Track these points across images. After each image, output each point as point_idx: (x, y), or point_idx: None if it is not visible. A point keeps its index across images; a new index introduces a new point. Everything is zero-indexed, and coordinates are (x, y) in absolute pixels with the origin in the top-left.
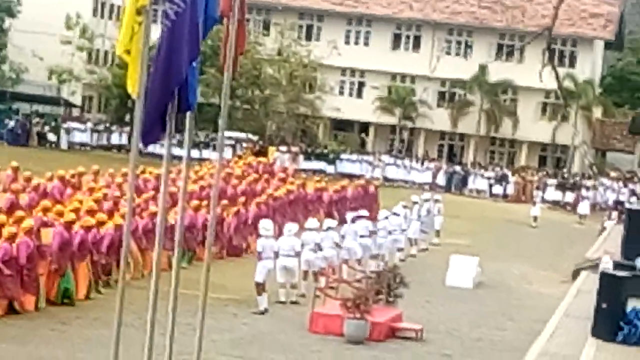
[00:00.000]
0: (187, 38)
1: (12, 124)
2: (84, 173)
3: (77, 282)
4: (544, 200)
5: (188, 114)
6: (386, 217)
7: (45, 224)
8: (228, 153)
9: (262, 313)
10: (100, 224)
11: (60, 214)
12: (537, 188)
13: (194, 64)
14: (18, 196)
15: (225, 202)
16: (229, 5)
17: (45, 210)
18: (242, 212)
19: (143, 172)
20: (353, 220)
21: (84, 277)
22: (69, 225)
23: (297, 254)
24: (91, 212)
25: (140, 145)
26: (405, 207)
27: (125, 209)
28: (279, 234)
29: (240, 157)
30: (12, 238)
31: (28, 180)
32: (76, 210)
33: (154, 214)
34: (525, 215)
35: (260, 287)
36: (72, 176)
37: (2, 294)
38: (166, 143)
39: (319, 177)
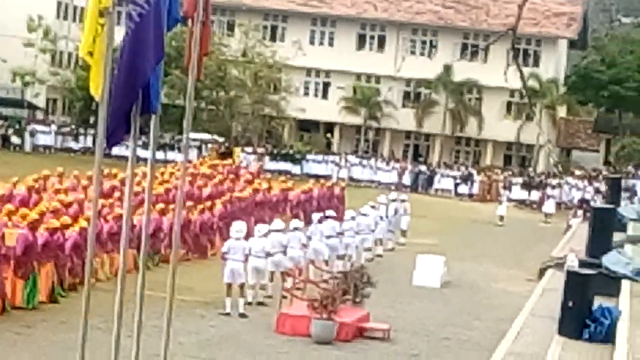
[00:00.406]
0: (152, 40)
1: None
2: (48, 176)
3: (40, 285)
4: (509, 199)
5: (153, 116)
6: (352, 218)
7: (7, 226)
8: (193, 154)
9: (228, 314)
10: (65, 226)
11: (25, 217)
12: (504, 187)
13: (158, 65)
14: None
15: (190, 203)
16: (193, 6)
17: (10, 213)
18: (207, 213)
19: (109, 175)
20: (320, 221)
21: (46, 280)
22: (33, 227)
23: (268, 255)
24: (56, 213)
25: (105, 147)
26: (373, 207)
27: (89, 212)
28: (246, 235)
29: (204, 158)
30: None
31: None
32: (41, 213)
33: (119, 217)
34: (491, 215)
35: (228, 288)
36: (36, 180)
37: None
38: (131, 145)
39: (284, 178)
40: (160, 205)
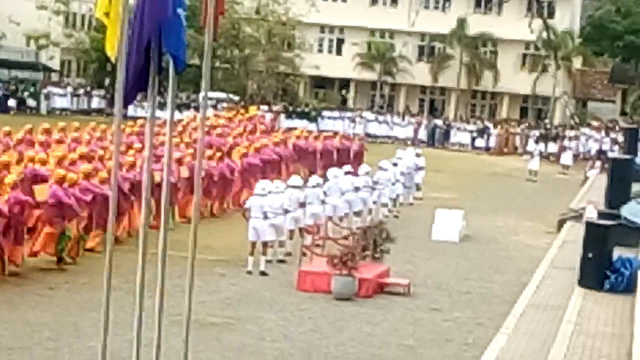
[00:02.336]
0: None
1: None
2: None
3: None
4: (527, 152)
5: (170, 74)
6: (367, 173)
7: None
8: (209, 113)
9: (250, 272)
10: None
11: (44, 162)
12: (536, 142)
13: (183, 24)
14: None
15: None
16: None
17: (31, 160)
18: (228, 162)
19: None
20: (336, 176)
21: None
22: (61, 182)
23: (286, 212)
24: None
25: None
26: (395, 164)
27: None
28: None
29: (218, 116)
30: None
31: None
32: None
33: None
34: (508, 167)
35: (251, 246)
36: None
37: None
38: (150, 104)
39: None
40: (177, 155)
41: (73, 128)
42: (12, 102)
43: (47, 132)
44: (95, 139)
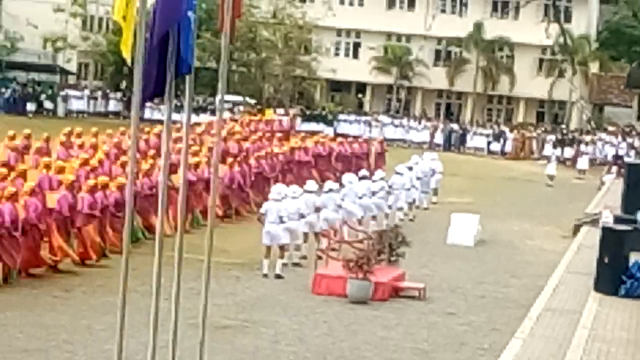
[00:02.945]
0: (180, 2)
1: (8, 92)
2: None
3: (85, 246)
4: (543, 157)
5: (187, 77)
6: (382, 178)
7: (51, 185)
8: (225, 117)
9: (266, 276)
10: (104, 186)
11: (61, 171)
12: (554, 147)
13: (192, 26)
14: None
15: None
16: None
17: (47, 167)
18: (244, 167)
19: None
20: (352, 182)
21: (92, 240)
22: (72, 188)
23: (302, 216)
24: (93, 172)
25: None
26: (410, 168)
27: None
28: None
29: (236, 120)
30: (13, 197)
31: (28, 137)
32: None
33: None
34: (524, 172)
35: (266, 250)
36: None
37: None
38: (167, 107)
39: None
40: (196, 159)
41: (91, 133)
42: (30, 105)
43: (67, 136)
44: (113, 145)
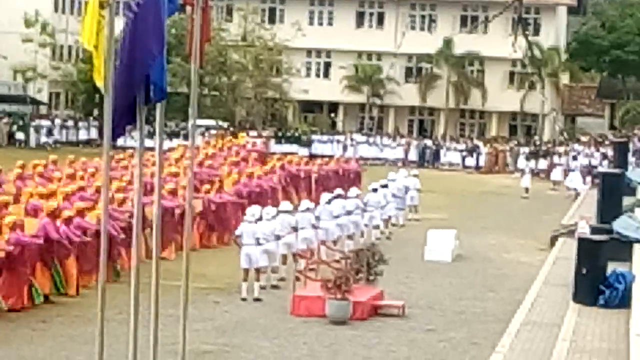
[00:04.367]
0: (151, 29)
1: None
2: (56, 161)
3: (66, 277)
4: (517, 170)
5: (159, 104)
6: (357, 196)
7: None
8: (198, 141)
9: (245, 299)
10: (79, 213)
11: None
12: (527, 159)
13: (162, 54)
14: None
15: (207, 186)
16: None
17: (30, 196)
18: (223, 193)
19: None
20: (328, 201)
21: (71, 272)
22: (53, 216)
23: (278, 238)
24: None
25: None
26: (384, 186)
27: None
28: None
29: (209, 144)
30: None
31: None
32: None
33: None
34: (498, 185)
35: (245, 273)
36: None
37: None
38: (139, 134)
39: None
40: (170, 186)
41: (67, 161)
42: (2, 136)
43: (44, 166)
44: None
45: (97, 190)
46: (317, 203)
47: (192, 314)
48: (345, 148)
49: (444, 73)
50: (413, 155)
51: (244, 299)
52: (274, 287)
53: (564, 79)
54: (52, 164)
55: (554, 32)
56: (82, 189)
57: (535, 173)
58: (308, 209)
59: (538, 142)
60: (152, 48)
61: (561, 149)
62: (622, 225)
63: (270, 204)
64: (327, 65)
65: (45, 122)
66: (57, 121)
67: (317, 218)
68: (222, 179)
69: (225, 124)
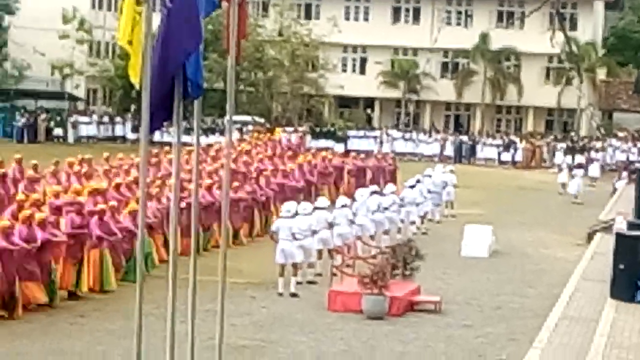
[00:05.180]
0: (185, 25)
1: (22, 121)
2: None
3: (88, 272)
4: (554, 165)
5: (196, 100)
6: (393, 192)
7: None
8: (234, 137)
9: (281, 294)
10: (113, 209)
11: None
12: (564, 154)
13: (198, 50)
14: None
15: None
16: None
17: (56, 195)
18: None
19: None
20: (364, 196)
21: (94, 266)
22: (79, 211)
23: (314, 233)
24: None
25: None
26: (418, 181)
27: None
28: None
29: (244, 140)
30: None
31: (35, 168)
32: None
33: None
34: (535, 181)
35: (281, 268)
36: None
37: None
38: (176, 130)
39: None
40: (207, 182)
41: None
42: (40, 132)
43: (80, 164)
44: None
45: (128, 187)
46: (352, 199)
47: (229, 309)
48: (381, 144)
49: (480, 68)
50: (449, 151)
51: (280, 294)
52: (311, 282)
53: (601, 74)
54: (85, 162)
55: (591, 27)
56: (118, 185)
57: (572, 168)
58: (345, 205)
59: (575, 138)
60: (185, 44)
61: (598, 145)
62: None
63: (305, 200)
64: (363, 61)
65: (83, 118)
66: (94, 117)
67: (354, 214)
68: (258, 175)
69: (261, 120)
